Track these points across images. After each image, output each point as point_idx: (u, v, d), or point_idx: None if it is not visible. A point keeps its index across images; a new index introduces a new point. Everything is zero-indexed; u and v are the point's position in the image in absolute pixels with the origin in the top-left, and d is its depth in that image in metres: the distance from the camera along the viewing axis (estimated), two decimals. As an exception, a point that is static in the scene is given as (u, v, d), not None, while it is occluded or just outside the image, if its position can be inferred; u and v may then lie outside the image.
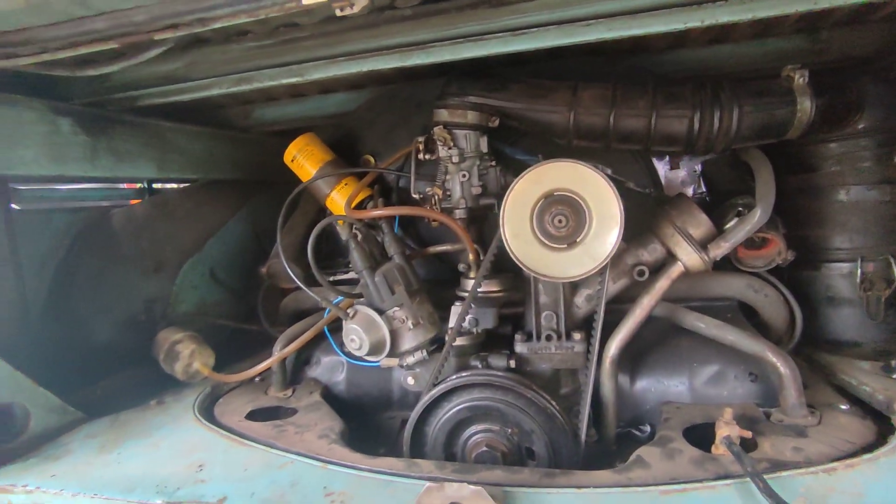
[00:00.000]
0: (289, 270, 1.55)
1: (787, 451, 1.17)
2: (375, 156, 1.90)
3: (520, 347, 1.49)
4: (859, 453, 1.13)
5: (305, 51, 1.45)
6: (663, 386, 1.50)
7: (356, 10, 0.65)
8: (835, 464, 1.09)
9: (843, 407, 1.33)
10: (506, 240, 1.31)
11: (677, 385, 1.49)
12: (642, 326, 1.54)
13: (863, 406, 1.37)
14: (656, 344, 1.57)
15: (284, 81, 1.56)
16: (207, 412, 1.62)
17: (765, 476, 1.04)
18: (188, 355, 1.78)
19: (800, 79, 1.38)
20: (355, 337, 1.47)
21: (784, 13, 1.23)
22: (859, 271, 1.47)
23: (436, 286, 1.76)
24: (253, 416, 1.58)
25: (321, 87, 2.08)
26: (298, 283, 1.55)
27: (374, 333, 1.47)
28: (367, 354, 1.49)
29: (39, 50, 0.95)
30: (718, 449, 1.19)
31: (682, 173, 1.77)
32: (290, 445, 1.36)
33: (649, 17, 1.29)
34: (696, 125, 1.42)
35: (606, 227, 1.27)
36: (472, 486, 1.01)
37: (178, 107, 1.90)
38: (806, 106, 1.38)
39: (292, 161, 1.81)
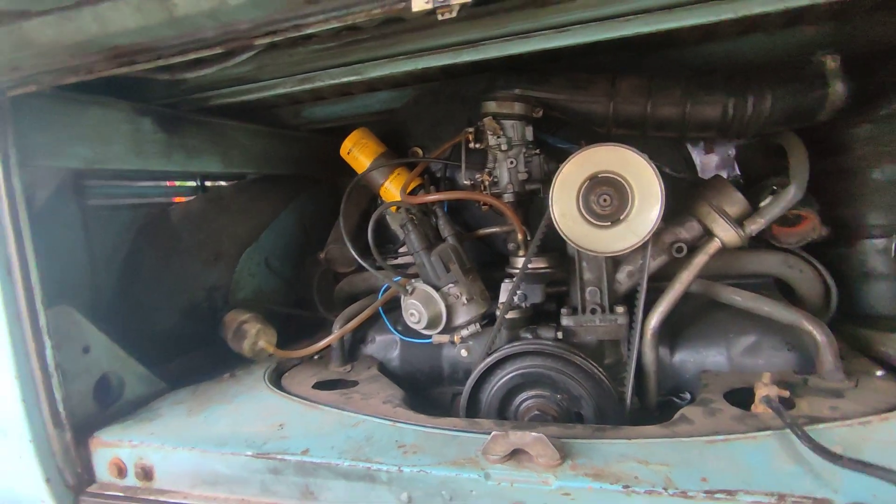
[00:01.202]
0: (353, 252, 1.70)
1: (825, 409, 1.26)
2: (422, 148, 2.02)
3: (566, 320, 1.60)
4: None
5: (365, 51, 1.59)
6: (702, 356, 1.59)
7: (454, 14, 0.77)
8: (871, 417, 1.17)
9: (879, 373, 1.41)
10: (555, 219, 1.43)
11: (715, 356, 1.58)
12: (680, 302, 1.64)
13: (899, 374, 1.44)
14: (694, 317, 1.66)
15: (344, 80, 1.70)
16: (276, 383, 1.77)
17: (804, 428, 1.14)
18: (255, 334, 1.94)
19: (832, 63, 1.46)
20: (414, 311, 1.60)
21: (815, 2, 1.32)
22: (894, 246, 1.54)
23: (482, 268, 1.89)
24: (319, 386, 1.72)
25: (367, 86, 2.22)
26: (363, 262, 1.69)
27: (431, 308, 1.60)
28: (425, 328, 1.63)
29: (156, 57, 1.10)
30: (758, 408, 1.28)
31: (715, 158, 1.85)
32: (359, 409, 1.50)
33: (684, 11, 1.39)
34: (731, 111, 1.51)
35: (648, 205, 1.37)
36: (534, 434, 1.13)
37: (238, 107, 2.07)
38: (838, 89, 1.45)
39: (348, 154, 1.95)
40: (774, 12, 1.43)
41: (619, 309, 1.56)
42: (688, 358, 1.61)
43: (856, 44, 1.76)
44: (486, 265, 1.92)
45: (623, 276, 1.60)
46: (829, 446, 1.07)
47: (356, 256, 1.70)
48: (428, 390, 1.90)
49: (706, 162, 1.85)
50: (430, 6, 0.77)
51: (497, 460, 1.14)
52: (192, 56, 1.14)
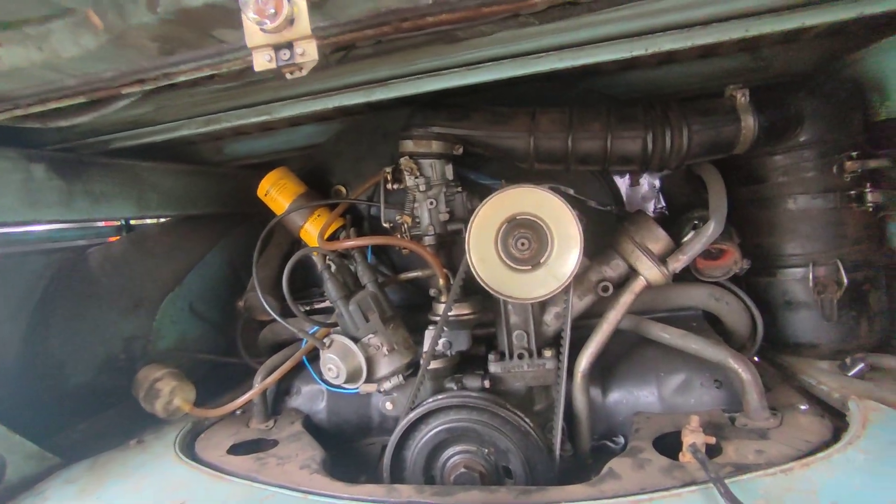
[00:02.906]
0: (265, 304, 1.58)
1: (750, 454, 1.22)
2: (346, 186, 1.95)
3: (493, 367, 1.53)
4: (816, 452, 1.18)
5: (271, 91, 1.50)
6: (634, 397, 1.55)
7: (304, 72, 0.69)
8: (792, 464, 1.14)
9: (803, 407, 1.39)
10: (472, 264, 1.36)
11: (647, 395, 1.53)
12: (611, 340, 1.60)
13: (822, 405, 1.43)
14: (626, 356, 1.62)
15: (254, 120, 1.61)
16: (189, 449, 1.63)
17: (728, 480, 1.09)
18: (169, 392, 1.78)
19: (742, 98, 1.46)
20: (332, 366, 1.50)
21: (719, 40, 1.32)
22: (811, 276, 1.54)
23: (410, 311, 1.80)
24: (235, 449, 1.59)
25: (290, 121, 2.12)
26: (275, 315, 1.58)
27: (350, 361, 1.50)
28: (345, 382, 1.52)
29: (11, 107, 0.98)
30: (685, 456, 1.24)
31: (642, 189, 1.84)
32: (272, 478, 1.37)
33: (597, 48, 1.37)
34: (650, 145, 1.49)
35: (567, 248, 1.32)
36: (447, 509, 1.04)
37: (151, 146, 1.94)
38: (750, 123, 1.46)
39: (266, 195, 1.85)
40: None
41: (548, 353, 1.50)
42: (621, 399, 1.56)
43: (767, 74, 1.81)
44: (416, 308, 1.84)
45: (550, 318, 1.54)
46: (752, 501, 1.03)
47: (268, 309, 1.59)
48: (357, 442, 1.79)
49: (632, 194, 1.84)
50: (273, 65, 0.70)
51: (409, 539, 1.05)
52: (54, 105, 1.03)
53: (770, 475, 1.11)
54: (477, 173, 1.73)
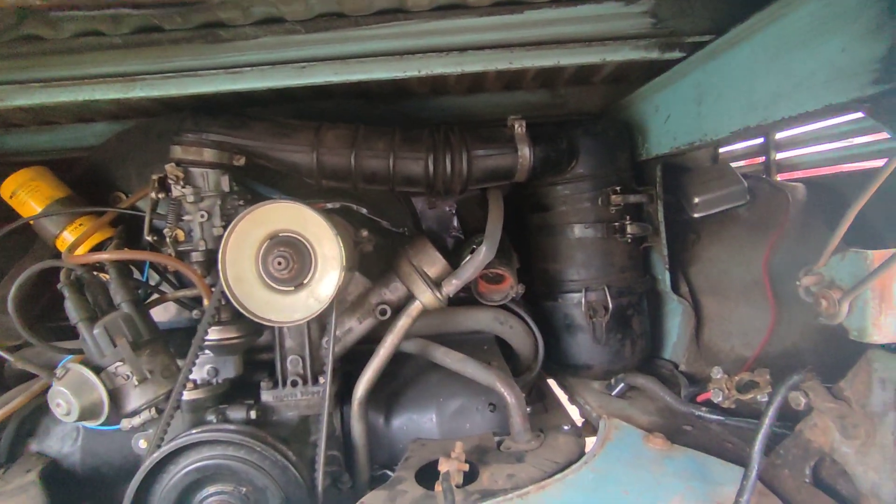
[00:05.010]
0: (-23, 328, 1.32)
1: (501, 479, 1.23)
2: (129, 193, 1.73)
3: (265, 395, 1.42)
4: (558, 473, 1.21)
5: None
6: (415, 423, 1.52)
7: None
8: (531, 487, 1.15)
9: (565, 427, 1.44)
10: (227, 284, 1.24)
11: (427, 421, 1.51)
12: (403, 364, 1.56)
13: (587, 424, 1.50)
14: (412, 381, 1.58)
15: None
16: None
17: (471, 507, 1.07)
18: None
19: (519, 128, 1.52)
20: (61, 401, 1.28)
21: (486, 69, 1.35)
22: (584, 300, 1.63)
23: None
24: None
25: (75, 115, 1.86)
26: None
27: (86, 395, 1.29)
28: (81, 420, 1.30)
29: None
30: (440, 486, 1.20)
31: (440, 212, 1.85)
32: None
33: (370, 63, 1.34)
34: (431, 167, 1.49)
35: (328, 269, 1.26)
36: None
37: None
38: (525, 153, 1.52)
39: (11, 197, 1.58)
40: (489, 75, 1.46)
41: (324, 379, 1.41)
42: (402, 425, 1.52)
43: (564, 111, 1.93)
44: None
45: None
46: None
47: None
48: (121, 486, 1.55)
49: (429, 216, 1.85)
50: None
51: None
52: None
53: (509, 500, 1.12)
54: (267, 187, 1.62)
